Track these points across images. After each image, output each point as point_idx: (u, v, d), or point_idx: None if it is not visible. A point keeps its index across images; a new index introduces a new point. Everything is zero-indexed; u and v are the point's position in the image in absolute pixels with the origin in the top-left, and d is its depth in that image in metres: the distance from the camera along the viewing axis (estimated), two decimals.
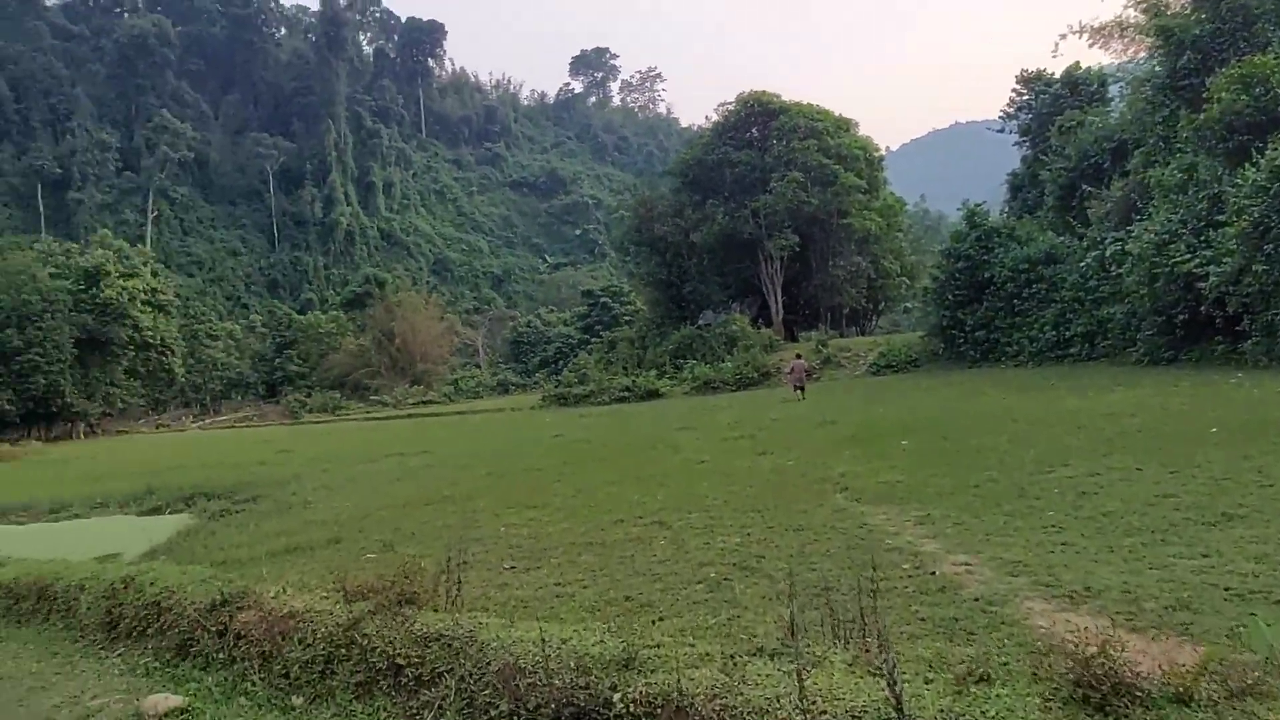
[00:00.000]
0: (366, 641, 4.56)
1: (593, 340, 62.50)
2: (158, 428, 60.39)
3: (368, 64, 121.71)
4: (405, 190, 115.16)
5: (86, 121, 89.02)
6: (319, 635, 4.77)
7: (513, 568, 7.44)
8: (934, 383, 28.08)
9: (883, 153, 55.17)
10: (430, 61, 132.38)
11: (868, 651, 3.73)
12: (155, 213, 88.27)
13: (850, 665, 3.56)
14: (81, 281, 58.98)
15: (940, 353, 34.98)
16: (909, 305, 59.51)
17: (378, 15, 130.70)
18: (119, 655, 5.70)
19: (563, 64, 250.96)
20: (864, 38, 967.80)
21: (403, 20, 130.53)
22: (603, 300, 72.56)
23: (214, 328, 77.57)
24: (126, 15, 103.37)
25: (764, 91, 53.29)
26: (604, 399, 38.91)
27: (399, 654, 4.40)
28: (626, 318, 66.92)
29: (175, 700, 4.61)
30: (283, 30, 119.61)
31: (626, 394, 39.10)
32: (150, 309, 62.46)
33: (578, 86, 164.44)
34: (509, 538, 8.85)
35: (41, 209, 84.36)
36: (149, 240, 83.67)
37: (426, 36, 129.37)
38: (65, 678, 5.39)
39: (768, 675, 3.48)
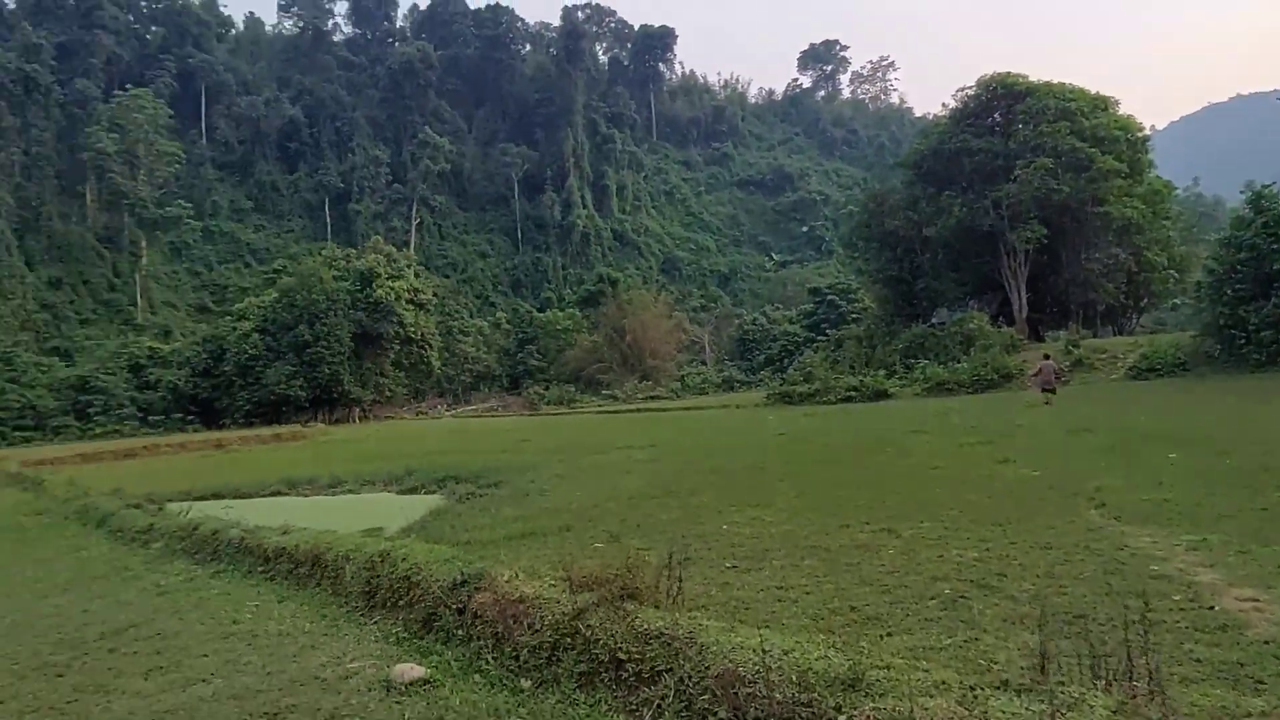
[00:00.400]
0: (590, 633, 4.65)
1: (818, 338, 61.20)
2: (417, 415, 66.82)
3: (603, 73, 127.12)
4: (637, 192, 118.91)
5: (364, 141, 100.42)
6: (546, 622, 4.94)
7: (734, 567, 7.35)
8: (1208, 389, 24.62)
9: (1147, 132, 49.02)
10: (661, 66, 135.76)
11: (1135, 697, 3.24)
12: (418, 220, 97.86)
13: (1114, 712, 3.10)
14: (358, 283, 66.68)
15: (1216, 355, 30.65)
16: (1177, 301, 52.74)
17: (613, 25, 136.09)
18: (375, 623, 6.26)
19: (791, 59, 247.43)
20: (1123, 5, 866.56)
21: (635, 28, 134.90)
22: (829, 298, 70.84)
23: (465, 324, 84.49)
24: (397, 44, 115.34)
25: (1008, 73, 49.26)
26: (829, 398, 37.88)
27: (620, 648, 4.44)
28: (854, 316, 64.87)
29: (419, 671, 4.97)
30: (527, 47, 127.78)
31: (853, 394, 37.80)
32: (413, 307, 69.34)
33: (806, 81, 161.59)
34: (731, 536, 8.77)
35: (328, 219, 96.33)
36: (412, 245, 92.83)
37: (658, 42, 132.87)
38: (331, 639, 6.00)
39: (1014, 715, 3.11)
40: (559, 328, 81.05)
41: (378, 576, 6.67)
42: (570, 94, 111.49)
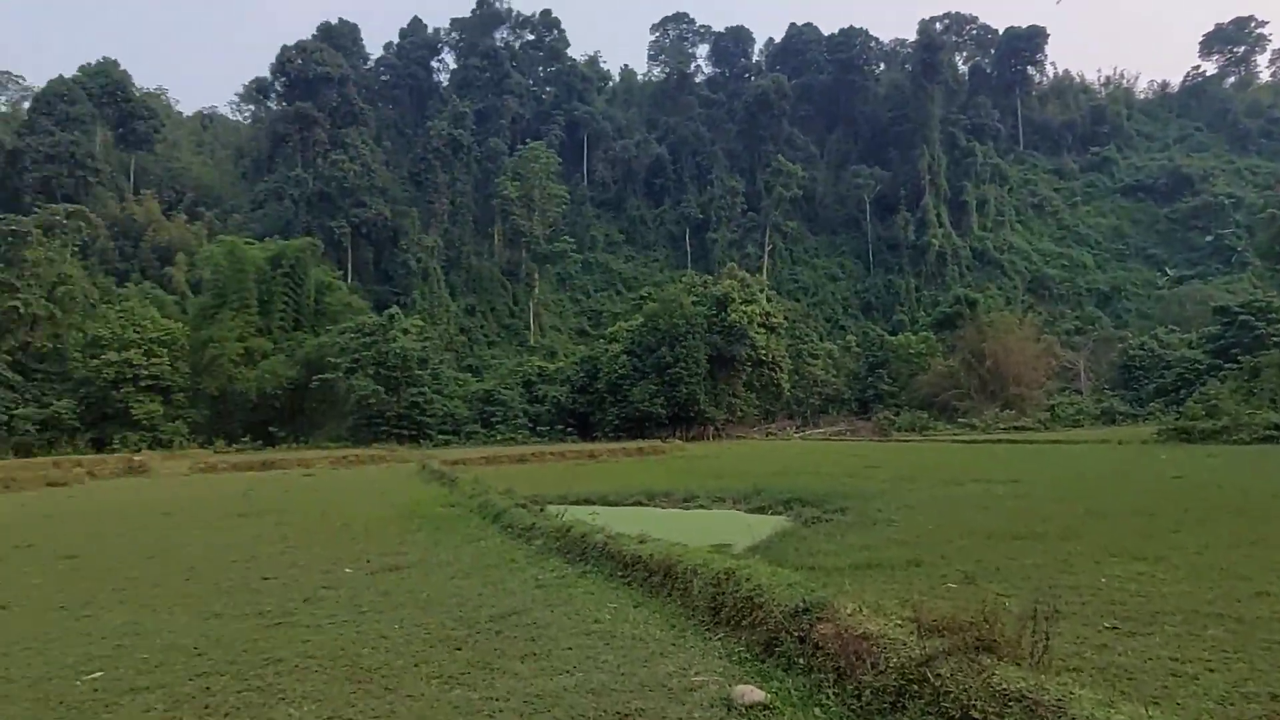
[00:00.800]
0: (939, 683, 4.29)
1: (1227, 366, 51.44)
2: (767, 435, 68.01)
3: (962, 84, 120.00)
4: (1000, 207, 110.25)
5: (721, 173, 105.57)
6: (891, 664, 4.66)
7: (1114, 628, 6.36)
8: None
9: None
10: (1029, 70, 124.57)
11: None
12: (770, 246, 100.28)
13: None
14: (714, 307, 69.91)
15: None
16: None
17: (974, 32, 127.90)
18: (719, 639, 6.41)
19: (1189, 46, 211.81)
20: None
21: (999, 33, 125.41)
22: (1242, 318, 59.03)
23: (815, 347, 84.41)
24: (753, 79, 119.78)
25: None
26: (1242, 437, 31.56)
27: (974, 705, 4.03)
28: (1275, 340, 53.57)
29: (759, 695, 4.97)
30: (881, 66, 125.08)
31: (1275, 433, 31.11)
32: (764, 330, 70.92)
33: (1210, 68, 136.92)
34: (1110, 591, 7.63)
35: (688, 248, 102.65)
36: (765, 270, 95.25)
37: (1026, 44, 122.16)
38: (679, 649, 6.26)
39: None
40: (912, 351, 77.68)
41: (723, 593, 6.83)
42: (926, 109, 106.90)
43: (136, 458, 42.42)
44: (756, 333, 69.48)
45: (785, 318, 78.15)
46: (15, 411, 51.96)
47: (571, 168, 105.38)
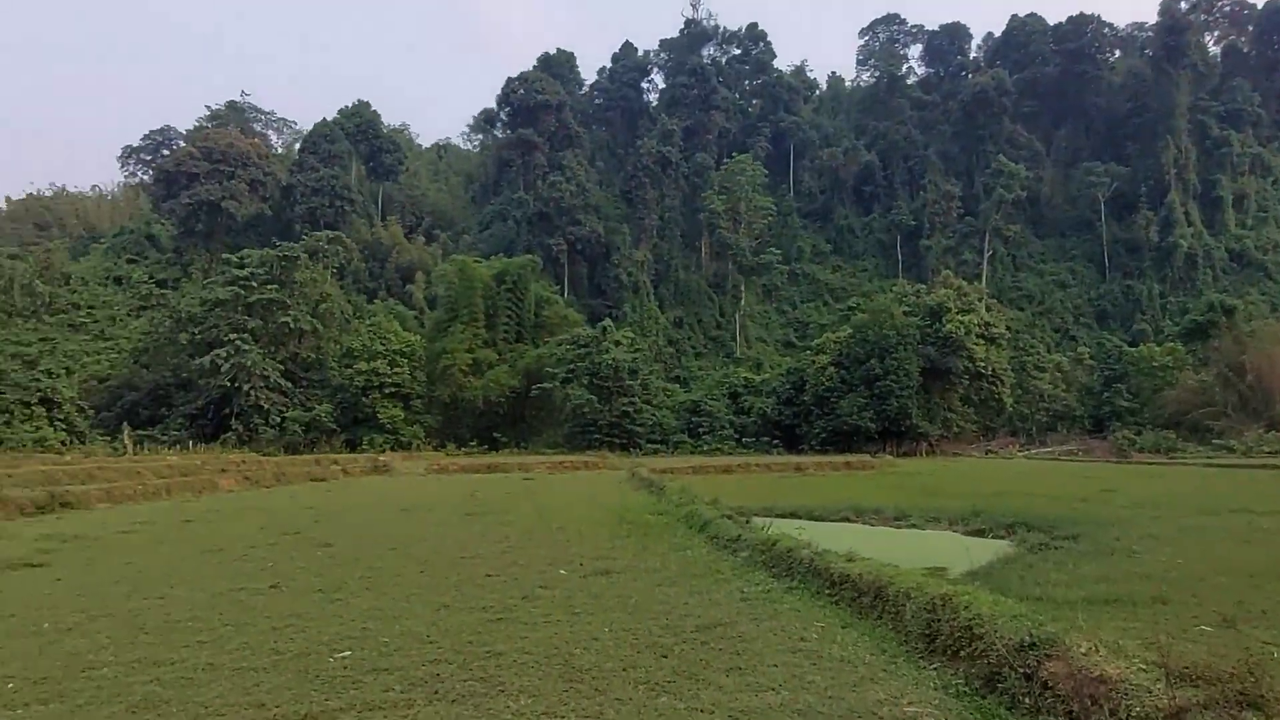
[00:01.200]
0: None
1: None
2: (987, 453, 63.77)
3: (1214, 67, 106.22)
4: (1262, 201, 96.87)
5: (935, 177, 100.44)
6: (1133, 713, 4.20)
7: None
8: None
9: None
10: None
11: None
12: (990, 251, 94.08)
13: None
14: (927, 317, 66.80)
15: None
16: None
17: (1227, 9, 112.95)
18: (934, 669, 6.08)
19: None
20: None
21: (1259, 7, 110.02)
22: None
23: (1041, 359, 78.29)
24: (970, 76, 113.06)
25: None
26: None
27: None
28: None
29: None
30: (1116, 54, 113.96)
31: None
32: (983, 341, 66.74)
33: None
34: None
35: (899, 256, 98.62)
36: (984, 278, 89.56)
37: None
38: (889, 676, 5.99)
39: None
40: (1155, 364, 70.02)
41: (939, 620, 6.48)
42: (1170, 97, 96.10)
43: (381, 458, 47.07)
44: (975, 344, 65.53)
45: (1007, 328, 73.18)
46: (287, 414, 59.37)
47: (778, 179, 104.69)
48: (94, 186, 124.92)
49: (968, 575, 10.38)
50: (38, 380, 53.29)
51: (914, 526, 18.04)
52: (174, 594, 9.62)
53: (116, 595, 9.60)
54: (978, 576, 10.25)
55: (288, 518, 18.78)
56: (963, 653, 5.96)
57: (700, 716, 5.21)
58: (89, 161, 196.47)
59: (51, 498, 21.34)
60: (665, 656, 6.58)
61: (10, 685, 6.08)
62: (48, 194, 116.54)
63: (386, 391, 60.93)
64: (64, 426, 52.19)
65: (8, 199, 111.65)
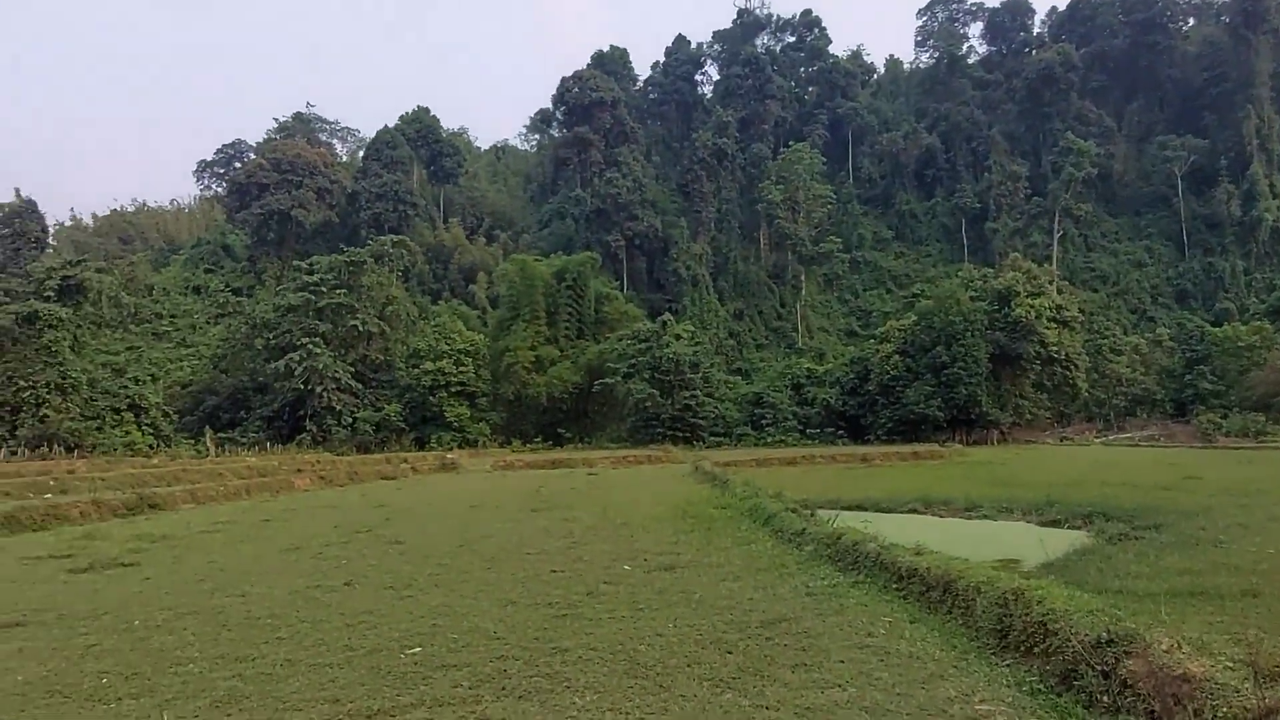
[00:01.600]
0: None
1: None
2: (1061, 441, 61.86)
3: None
4: None
5: (1000, 158, 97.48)
6: (1219, 713, 4.03)
7: None
8: None
9: None
10: None
11: None
12: (1060, 232, 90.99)
13: None
14: (995, 302, 65.05)
15: None
16: None
17: None
18: (1007, 665, 5.92)
19: None
20: None
21: None
22: None
23: (1117, 342, 75.55)
24: (1034, 52, 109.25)
25: None
26: None
27: None
28: None
29: None
30: (1190, 22, 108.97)
31: None
32: (1055, 325, 64.72)
33: None
34: None
35: (964, 241, 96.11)
36: (1054, 259, 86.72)
37: None
38: (960, 673, 5.86)
39: None
40: (1241, 344, 66.94)
41: (1011, 615, 6.31)
42: (1250, 65, 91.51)
43: (449, 455, 47.97)
44: (1046, 328, 63.57)
45: (1080, 310, 70.82)
46: (358, 414, 60.99)
47: (836, 166, 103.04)
48: (172, 200, 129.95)
49: (1042, 568, 10.10)
50: (126, 387, 55.90)
51: (985, 517, 17.65)
52: (254, 591, 9.98)
53: (201, 593, 10.01)
54: (1053, 569, 9.97)
55: (360, 516, 19.29)
56: (1037, 649, 5.80)
57: (766, 713, 5.18)
58: (168, 176, 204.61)
59: (140, 499, 22.33)
60: (730, 652, 6.56)
61: (105, 680, 6.39)
62: (130, 209, 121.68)
63: (453, 390, 62.06)
64: (151, 431, 54.61)
65: (94, 215, 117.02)
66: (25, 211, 76.24)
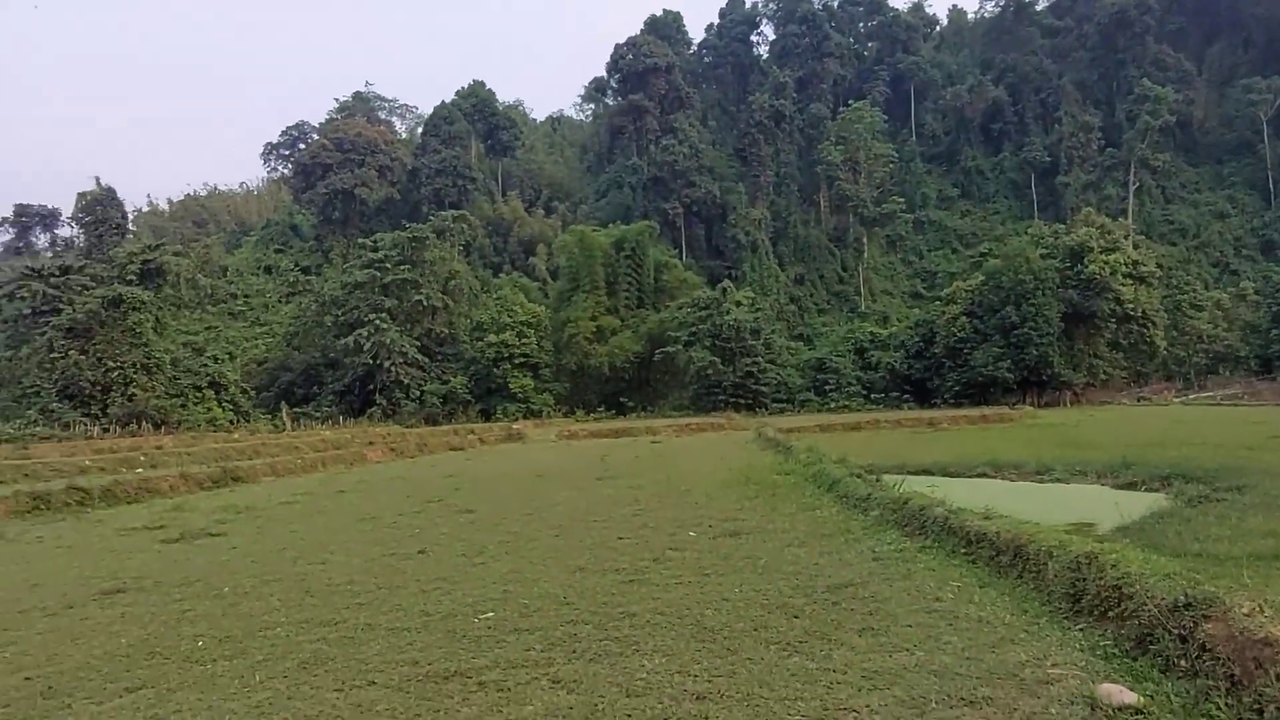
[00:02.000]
0: None
1: None
2: (1139, 400, 59.85)
3: None
4: None
5: (1071, 108, 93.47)
6: None
7: None
8: None
9: None
10: None
11: None
12: (1136, 184, 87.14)
13: None
14: (1067, 259, 62.93)
15: None
16: None
17: None
18: (1080, 630, 5.83)
19: None
20: None
21: None
22: None
23: (1199, 297, 72.46)
24: None
25: None
26: None
27: None
28: None
29: (1130, 697, 4.46)
30: None
31: None
32: (1131, 281, 62.41)
33: None
34: None
35: (1034, 196, 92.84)
36: (1130, 213, 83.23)
37: None
38: (1031, 637, 5.79)
39: None
40: None
41: (1084, 579, 6.20)
42: None
43: (514, 426, 48.86)
44: (1121, 284, 61.33)
45: (1158, 265, 68.09)
46: (425, 388, 62.43)
47: (898, 124, 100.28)
48: (242, 183, 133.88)
49: (1117, 531, 9.87)
50: (206, 365, 58.17)
51: (1058, 480, 17.24)
52: (333, 559, 10.39)
53: (284, 561, 10.47)
54: (1129, 532, 9.73)
55: (430, 486, 19.83)
56: (1111, 613, 5.69)
57: (833, 676, 5.22)
58: (237, 159, 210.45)
59: (224, 473, 23.36)
60: (796, 617, 6.61)
61: (200, 643, 6.78)
62: (202, 194, 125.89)
63: (516, 362, 62.96)
64: (231, 407, 56.82)
65: (170, 201, 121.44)
66: (106, 199, 79.34)
